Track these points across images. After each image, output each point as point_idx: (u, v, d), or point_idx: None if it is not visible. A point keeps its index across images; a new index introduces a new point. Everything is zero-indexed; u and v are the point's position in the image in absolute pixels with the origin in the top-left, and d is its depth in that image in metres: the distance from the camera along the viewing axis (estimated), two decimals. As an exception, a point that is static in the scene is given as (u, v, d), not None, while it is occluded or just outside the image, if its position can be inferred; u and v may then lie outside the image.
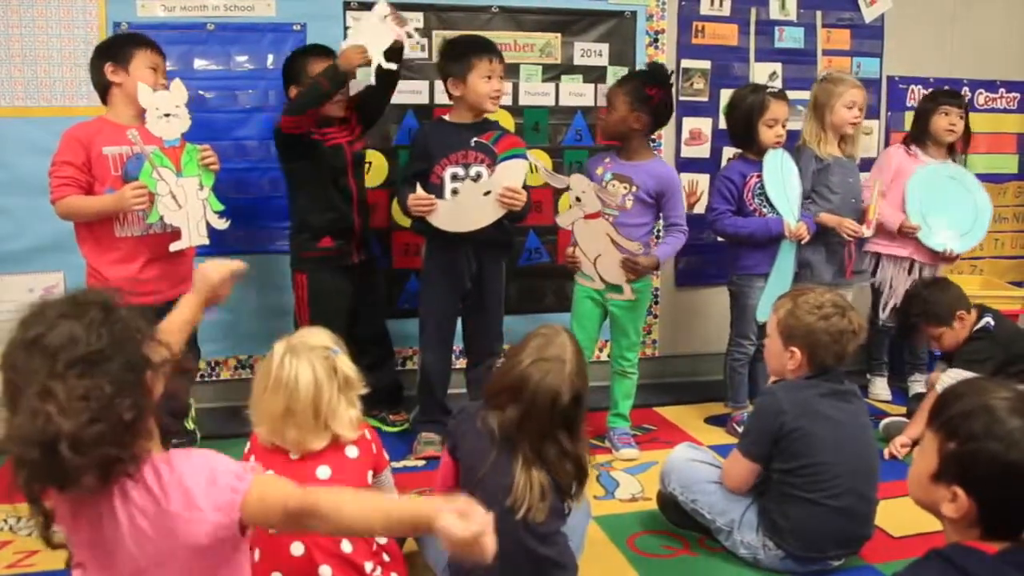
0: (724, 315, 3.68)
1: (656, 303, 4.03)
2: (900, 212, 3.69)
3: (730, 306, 3.57)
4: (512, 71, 3.71)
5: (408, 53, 3.57)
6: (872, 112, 4.02)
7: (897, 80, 4.18)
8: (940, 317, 3.32)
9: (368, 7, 3.51)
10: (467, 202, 3.03)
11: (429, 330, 3.22)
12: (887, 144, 4.15)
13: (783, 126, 3.35)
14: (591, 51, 3.81)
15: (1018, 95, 4.47)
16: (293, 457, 1.98)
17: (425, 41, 3.59)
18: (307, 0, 3.47)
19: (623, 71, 3.71)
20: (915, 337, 3.67)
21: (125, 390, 1.26)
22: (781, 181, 3.34)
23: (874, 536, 2.52)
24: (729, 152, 3.84)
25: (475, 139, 3.07)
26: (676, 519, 2.61)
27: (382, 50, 3.00)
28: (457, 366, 3.47)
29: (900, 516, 2.60)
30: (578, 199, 3.12)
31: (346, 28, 3.52)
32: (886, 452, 3.19)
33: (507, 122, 3.70)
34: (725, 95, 3.93)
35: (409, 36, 3.08)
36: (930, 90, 3.96)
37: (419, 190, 2.99)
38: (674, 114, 3.85)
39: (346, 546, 1.96)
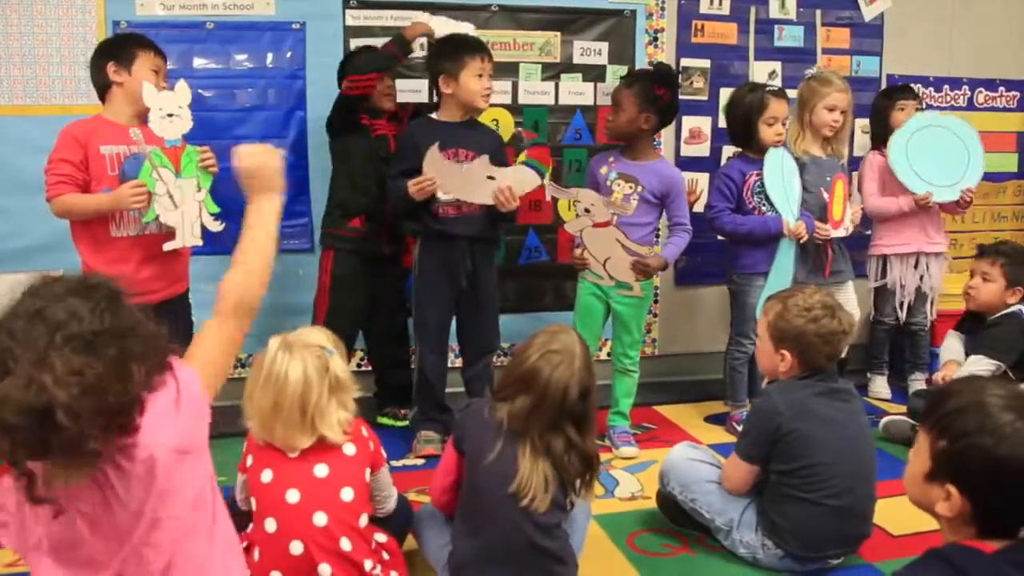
0: (724, 314, 3.68)
1: (656, 302, 4.03)
2: (904, 195, 3.68)
3: (730, 305, 3.57)
4: (511, 70, 3.71)
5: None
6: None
7: (897, 79, 4.18)
8: (1018, 276, 3.21)
9: (368, 7, 3.53)
10: (474, 175, 3.05)
11: (427, 329, 3.22)
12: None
13: (783, 124, 3.35)
14: (590, 50, 3.81)
15: (1017, 94, 4.47)
16: (291, 456, 1.98)
17: (424, 40, 3.58)
18: (307, -1, 3.47)
19: (623, 70, 3.71)
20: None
21: (116, 376, 1.26)
22: (781, 179, 3.34)
23: (873, 535, 2.52)
24: (729, 151, 3.84)
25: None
26: (675, 518, 2.61)
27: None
28: (456, 365, 3.46)
29: (899, 515, 2.60)
30: (587, 210, 3.13)
31: (345, 27, 3.52)
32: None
33: (507, 121, 3.71)
34: (725, 94, 3.94)
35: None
36: (882, 88, 3.97)
37: (433, 162, 3.02)
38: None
39: (345, 544, 1.96)
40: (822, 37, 4.11)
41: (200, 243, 2.84)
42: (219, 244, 3.01)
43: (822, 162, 3.54)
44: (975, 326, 3.33)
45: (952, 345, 3.40)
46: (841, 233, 3.51)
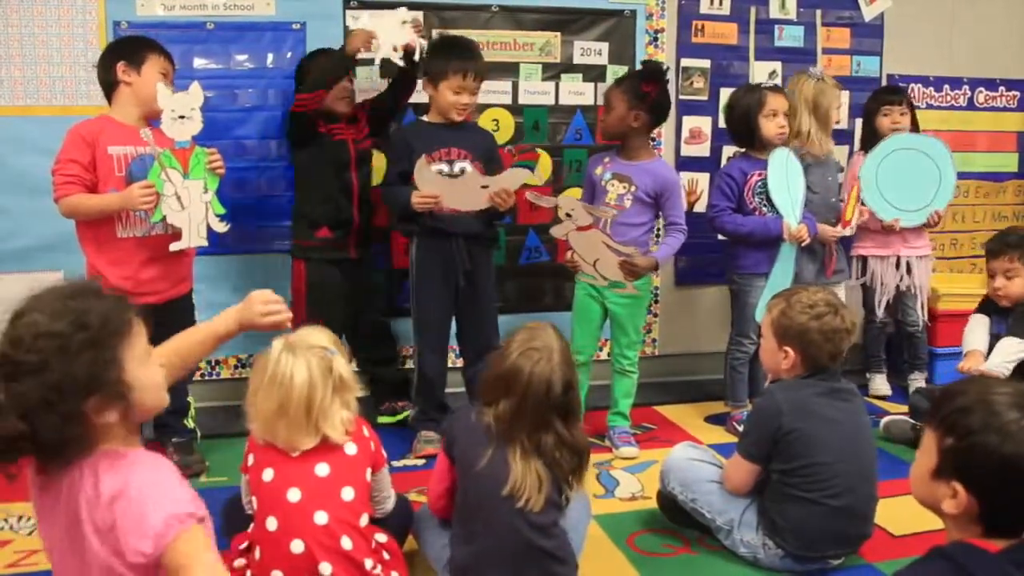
0: (724, 314, 3.68)
1: (656, 302, 4.03)
2: (875, 218, 3.71)
3: (731, 305, 3.57)
4: (512, 70, 3.72)
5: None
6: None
7: (897, 79, 4.18)
8: None
9: (368, 6, 3.53)
10: (469, 184, 3.05)
11: (425, 329, 3.22)
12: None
13: (784, 117, 3.36)
14: (591, 50, 3.81)
15: (1018, 93, 4.47)
16: (292, 455, 1.98)
17: (424, 41, 3.58)
18: (307, -1, 3.47)
19: (623, 70, 3.72)
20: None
21: (28, 408, 1.27)
22: (785, 180, 3.33)
23: (874, 535, 2.52)
24: (729, 151, 3.84)
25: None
26: (676, 518, 2.61)
27: (390, 45, 3.07)
28: (457, 364, 3.47)
29: (900, 515, 2.60)
30: (568, 215, 3.13)
31: (346, 27, 3.52)
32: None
33: (507, 121, 3.71)
34: (725, 94, 3.94)
35: (421, 49, 3.15)
36: (874, 90, 3.96)
37: (427, 178, 3.01)
38: (674, 113, 3.89)
39: (346, 543, 1.96)
40: (822, 37, 4.11)
41: (206, 244, 2.86)
42: (222, 245, 3.02)
43: (823, 162, 3.58)
44: (1002, 309, 3.27)
45: (976, 331, 3.29)
46: (847, 232, 3.56)
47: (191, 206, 2.78)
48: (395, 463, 3.02)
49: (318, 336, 2.06)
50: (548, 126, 3.80)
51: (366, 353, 3.50)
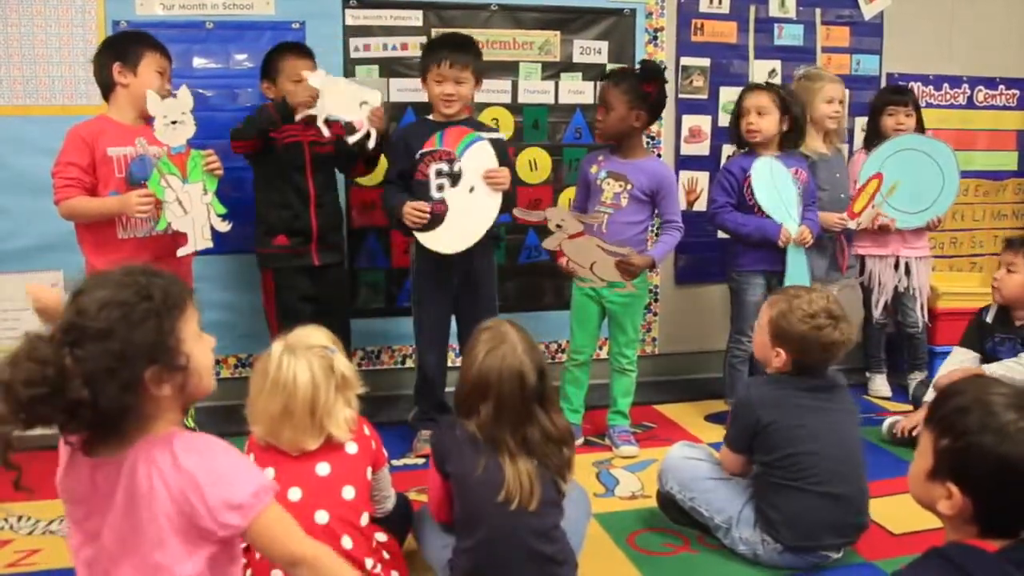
0: (724, 312, 3.68)
1: (656, 300, 4.03)
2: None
3: (730, 303, 3.57)
4: (511, 69, 3.71)
5: (407, 52, 3.60)
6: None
7: (897, 77, 4.18)
8: None
9: (368, 6, 3.54)
10: (460, 211, 3.02)
11: (424, 328, 3.23)
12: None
13: (757, 114, 3.36)
14: (590, 49, 3.81)
15: (1018, 92, 4.47)
16: (293, 454, 1.98)
17: (424, 39, 3.59)
18: (306, -2, 3.47)
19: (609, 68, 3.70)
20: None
21: (91, 373, 1.28)
22: (774, 188, 3.32)
23: (874, 533, 2.52)
24: (729, 150, 3.85)
25: (420, 152, 3.06)
26: (675, 517, 2.61)
27: (332, 113, 2.97)
28: (458, 364, 3.46)
29: (900, 513, 2.61)
30: (559, 226, 3.12)
31: (345, 26, 3.52)
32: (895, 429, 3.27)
33: (507, 120, 3.71)
34: (724, 93, 3.95)
35: (368, 135, 2.98)
36: (880, 89, 3.98)
37: (436, 186, 3.01)
38: (673, 111, 3.90)
39: (346, 542, 1.96)
40: (822, 35, 4.11)
41: (211, 245, 2.87)
42: (221, 244, 3.02)
43: (828, 159, 3.59)
44: (990, 332, 3.25)
45: (954, 363, 3.29)
46: (852, 225, 3.56)
47: (193, 209, 2.79)
48: (395, 462, 3.02)
49: (317, 335, 2.06)
50: (548, 125, 3.80)
51: None
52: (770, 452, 2.39)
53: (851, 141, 4.12)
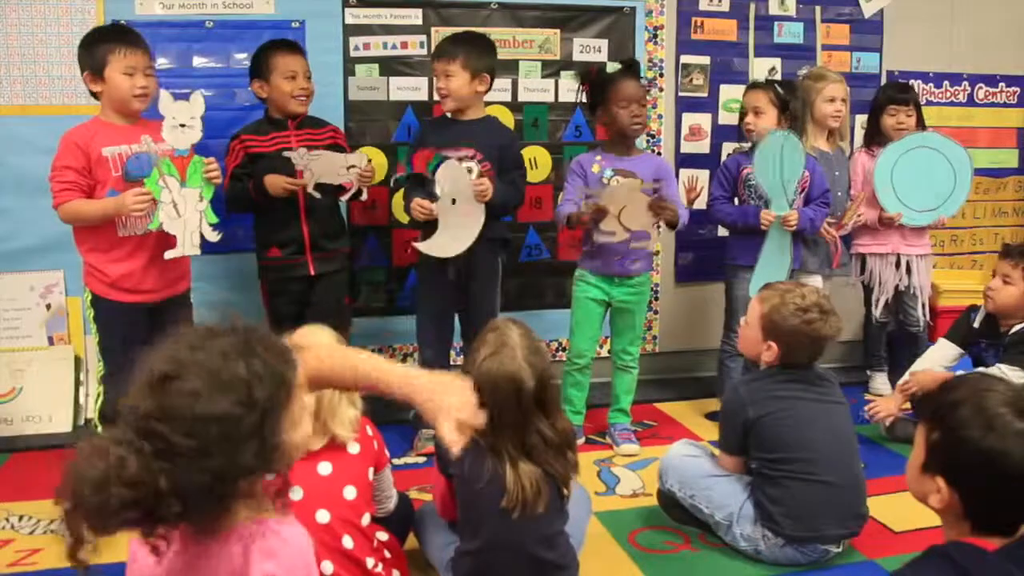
0: (724, 310, 3.68)
1: (656, 299, 4.03)
2: (875, 207, 3.69)
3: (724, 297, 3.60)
4: (511, 67, 3.71)
5: (407, 51, 3.59)
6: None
7: (897, 75, 4.18)
8: None
9: (368, 5, 3.53)
10: (448, 220, 3.04)
11: (425, 326, 3.24)
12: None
13: (754, 113, 3.37)
14: (590, 47, 3.80)
15: (1018, 89, 4.46)
16: (295, 454, 1.98)
17: (423, 38, 3.59)
18: (306, -3, 3.47)
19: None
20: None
21: (186, 491, 1.14)
22: (779, 164, 3.27)
23: (875, 531, 2.53)
24: (729, 147, 3.85)
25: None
26: (676, 516, 2.61)
27: (321, 179, 3.05)
28: (459, 362, 3.47)
29: (900, 511, 2.61)
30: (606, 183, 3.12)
31: (345, 25, 3.52)
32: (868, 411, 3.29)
33: (506, 118, 3.70)
34: (725, 91, 3.95)
35: (359, 193, 3.11)
36: (882, 86, 3.97)
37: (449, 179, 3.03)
38: (673, 109, 3.90)
39: (347, 542, 1.96)
40: (822, 33, 4.11)
41: (199, 252, 2.85)
42: (220, 243, 3.02)
43: (829, 156, 3.59)
44: (976, 336, 3.23)
45: (936, 356, 3.29)
46: (841, 233, 3.57)
47: (186, 214, 2.79)
48: (396, 461, 3.02)
49: (321, 334, 2.06)
50: (548, 123, 3.80)
51: None
52: (764, 447, 2.41)
53: (852, 139, 4.11)
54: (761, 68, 4.01)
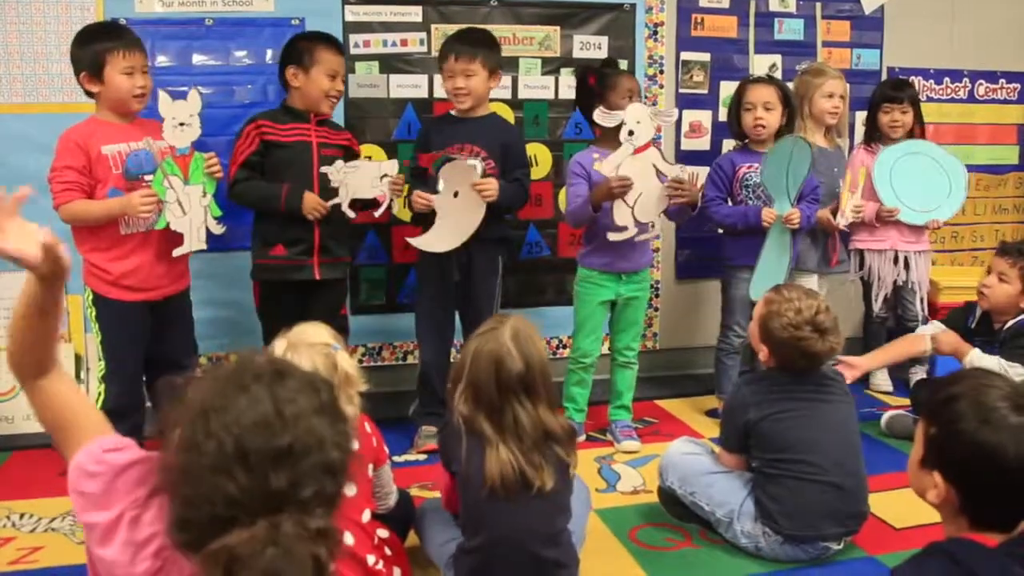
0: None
1: (657, 296, 4.03)
2: (873, 202, 3.68)
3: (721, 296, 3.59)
4: (511, 64, 3.71)
5: (407, 48, 3.59)
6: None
7: (897, 71, 4.18)
8: None
9: (367, 2, 3.53)
10: (447, 214, 3.04)
11: (425, 324, 3.24)
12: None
13: (764, 108, 3.34)
14: (590, 44, 3.80)
15: (1018, 86, 4.46)
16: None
17: (424, 35, 3.58)
18: (305, -5, 3.47)
19: (622, 64, 3.70)
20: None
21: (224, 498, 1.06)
22: (787, 165, 3.27)
23: (875, 527, 2.53)
24: (729, 144, 3.84)
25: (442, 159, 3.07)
26: (677, 513, 2.61)
27: (356, 195, 3.01)
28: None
29: (901, 507, 2.61)
30: (631, 132, 2.99)
31: (345, 23, 3.52)
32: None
33: (506, 115, 3.70)
34: (725, 87, 3.94)
35: (390, 202, 3.07)
36: (880, 82, 3.97)
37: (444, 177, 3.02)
38: (674, 107, 3.89)
39: (348, 539, 1.95)
40: (822, 30, 4.11)
41: (205, 247, 2.88)
42: (219, 241, 3.03)
43: (828, 153, 3.58)
44: (972, 334, 3.21)
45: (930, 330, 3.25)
46: (842, 222, 3.52)
47: (191, 211, 2.80)
48: (396, 458, 3.02)
49: (319, 332, 2.06)
50: (548, 120, 3.79)
51: None
52: (766, 446, 2.41)
53: (852, 136, 4.11)
54: (761, 65, 4.01)
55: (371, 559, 2.00)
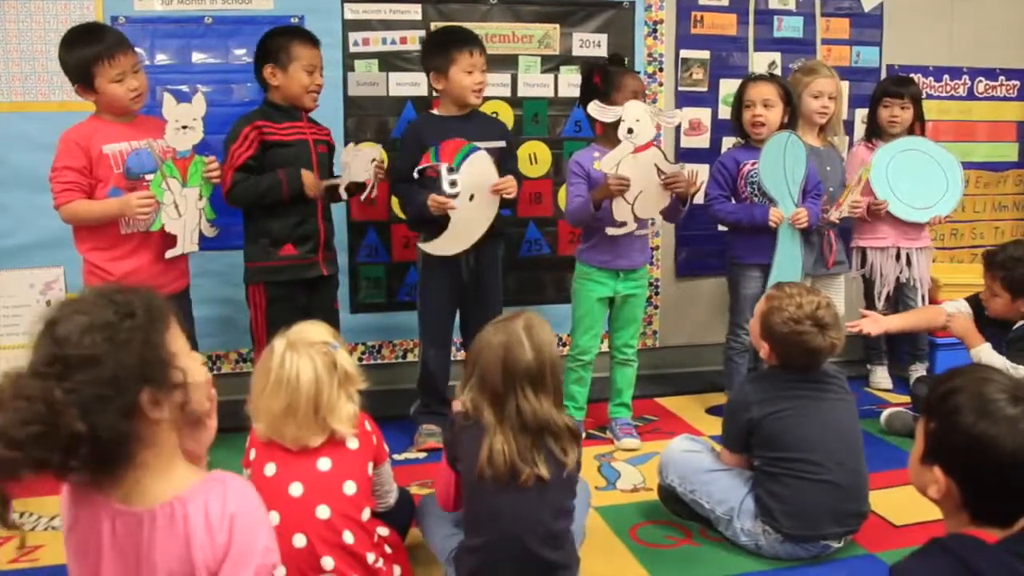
0: (724, 305, 3.68)
1: (656, 293, 4.03)
2: (867, 197, 3.67)
3: (728, 295, 3.58)
4: (511, 62, 3.71)
5: (407, 46, 3.59)
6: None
7: (897, 69, 4.17)
8: (1019, 285, 3.05)
9: (366, 0, 3.52)
10: (461, 218, 3.03)
11: (429, 323, 3.23)
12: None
13: (763, 106, 3.34)
14: (590, 42, 3.80)
15: (1018, 83, 4.46)
16: (294, 450, 1.98)
17: (423, 33, 3.58)
18: (304, -7, 3.46)
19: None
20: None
21: (84, 403, 1.20)
22: (782, 164, 3.29)
23: (875, 525, 2.53)
24: (729, 142, 3.84)
25: (417, 168, 3.04)
26: (677, 510, 2.62)
27: (354, 178, 3.07)
28: (458, 357, 3.46)
29: (901, 505, 2.61)
30: (630, 130, 2.98)
31: (344, 21, 3.51)
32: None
33: (506, 114, 3.70)
34: (724, 85, 3.95)
35: (371, 188, 3.11)
36: (881, 79, 3.98)
37: (449, 183, 3.02)
38: (673, 104, 3.90)
39: (348, 537, 1.96)
40: (821, 27, 4.10)
41: (197, 249, 2.89)
42: (219, 240, 3.03)
43: (820, 151, 3.57)
44: (986, 322, 3.18)
45: (959, 305, 3.26)
46: (835, 215, 3.51)
47: (187, 213, 2.81)
48: (397, 456, 3.02)
49: (318, 331, 2.06)
50: (547, 118, 3.79)
51: None
52: (768, 445, 2.41)
53: (851, 133, 4.11)
54: (761, 62, 4.00)
55: (371, 557, 2.00)
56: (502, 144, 3.11)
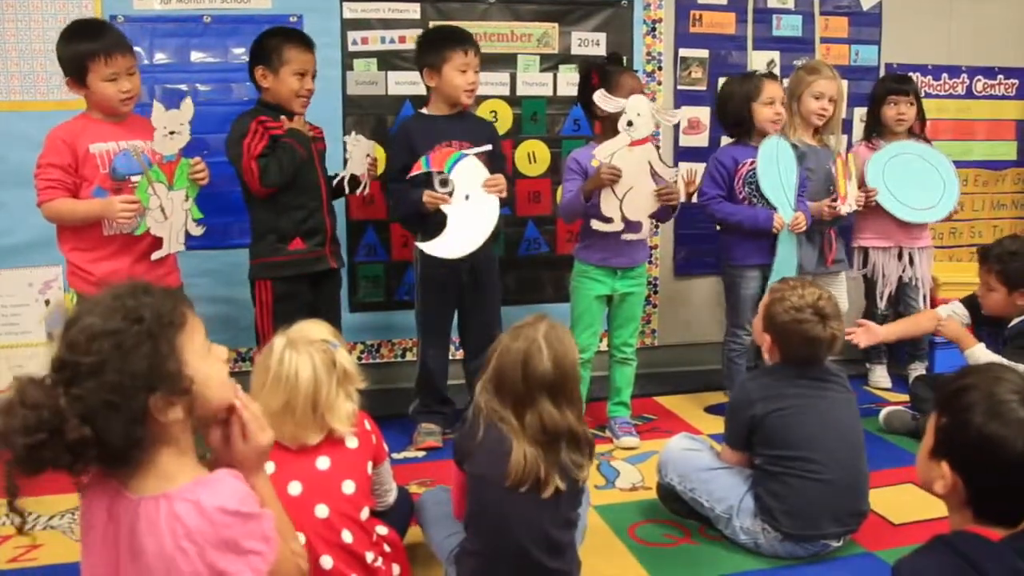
0: (723, 304, 3.68)
1: (656, 292, 4.03)
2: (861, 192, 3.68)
3: (725, 296, 3.58)
4: (509, 61, 3.71)
5: (405, 45, 3.60)
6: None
7: (895, 67, 4.17)
8: (1016, 278, 3.05)
9: (365, -1, 3.53)
10: (459, 218, 3.02)
11: (427, 322, 3.23)
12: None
13: (780, 104, 3.35)
14: (588, 40, 3.80)
15: (1016, 81, 4.46)
16: (293, 449, 1.98)
17: (422, 31, 3.57)
18: (303, -8, 3.46)
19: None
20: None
21: (90, 410, 1.24)
22: (777, 169, 3.32)
23: (875, 523, 2.53)
24: (727, 141, 3.84)
25: (409, 176, 3.03)
26: (676, 509, 2.61)
27: (355, 171, 3.15)
28: (457, 357, 3.46)
29: (900, 503, 2.61)
30: (630, 123, 2.98)
31: (343, 20, 3.51)
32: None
33: (505, 113, 3.70)
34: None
35: (364, 185, 3.18)
36: (882, 77, 3.98)
37: (439, 182, 3.02)
38: (672, 103, 3.90)
39: (347, 536, 1.96)
40: (820, 26, 4.10)
41: (183, 249, 2.88)
42: (217, 239, 3.03)
43: (818, 151, 3.57)
44: (984, 321, 3.23)
45: (953, 307, 3.30)
46: (846, 209, 3.52)
47: (173, 215, 2.80)
48: (396, 455, 3.02)
49: (318, 329, 2.06)
50: (546, 117, 3.79)
51: None
52: (769, 443, 2.41)
53: (850, 132, 4.11)
54: (760, 61, 4.00)
55: (370, 556, 2.00)
56: (489, 148, 3.09)
